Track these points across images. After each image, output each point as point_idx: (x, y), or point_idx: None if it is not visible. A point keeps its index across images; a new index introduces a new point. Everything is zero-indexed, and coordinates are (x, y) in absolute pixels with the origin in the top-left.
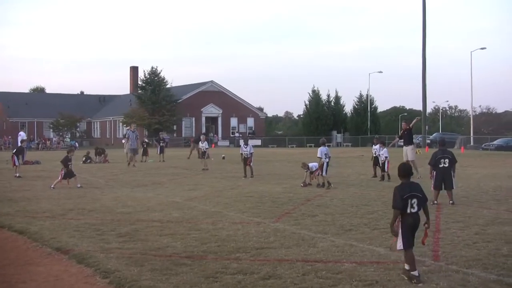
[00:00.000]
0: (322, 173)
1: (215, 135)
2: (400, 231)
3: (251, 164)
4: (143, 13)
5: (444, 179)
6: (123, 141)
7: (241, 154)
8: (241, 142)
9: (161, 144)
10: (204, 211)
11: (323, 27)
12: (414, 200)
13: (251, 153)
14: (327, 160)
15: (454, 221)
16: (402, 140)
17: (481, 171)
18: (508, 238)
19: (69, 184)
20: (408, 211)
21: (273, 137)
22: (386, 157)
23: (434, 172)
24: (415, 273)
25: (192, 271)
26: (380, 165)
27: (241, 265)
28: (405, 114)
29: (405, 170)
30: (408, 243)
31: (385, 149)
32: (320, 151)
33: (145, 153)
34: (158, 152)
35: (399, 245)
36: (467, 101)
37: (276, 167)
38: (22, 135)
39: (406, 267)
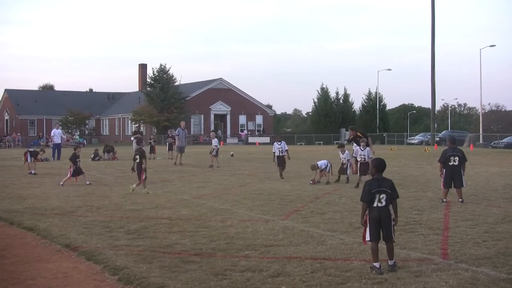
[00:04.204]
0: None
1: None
2: (367, 224)
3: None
4: (152, 10)
5: (453, 177)
6: (132, 138)
7: (274, 153)
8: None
9: (169, 141)
10: (213, 209)
11: (332, 24)
12: (383, 196)
13: (286, 151)
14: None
15: (463, 219)
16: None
17: (490, 169)
18: None
19: (77, 181)
20: (375, 205)
21: (282, 134)
22: (348, 160)
23: (444, 170)
24: (376, 264)
25: (201, 268)
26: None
27: (250, 263)
28: (414, 111)
29: (378, 164)
30: (374, 236)
31: (346, 152)
32: (356, 151)
33: (152, 150)
34: (167, 149)
35: (367, 236)
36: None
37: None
38: (58, 132)
39: (390, 262)
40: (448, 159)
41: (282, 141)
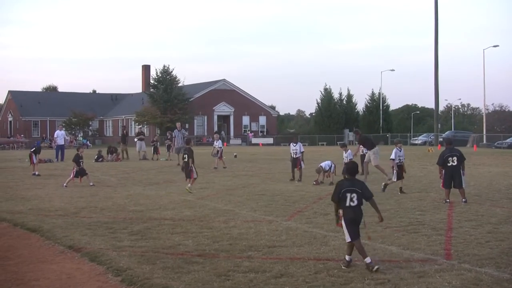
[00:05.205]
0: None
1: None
2: (344, 224)
3: (301, 166)
4: (155, 12)
5: (453, 177)
6: (135, 139)
7: (290, 154)
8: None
9: (167, 143)
10: (216, 210)
11: (335, 25)
12: (354, 195)
13: (302, 152)
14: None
15: (466, 219)
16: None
17: (493, 169)
18: None
19: (81, 182)
20: (347, 204)
21: (285, 135)
22: (351, 159)
23: (443, 172)
24: (367, 259)
25: (204, 269)
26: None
27: (253, 264)
28: (417, 112)
29: (351, 167)
30: (354, 235)
31: (349, 151)
32: (394, 153)
33: (155, 151)
34: (166, 150)
35: (347, 237)
36: (480, 99)
37: (288, 166)
38: (62, 133)
39: (367, 260)
40: (446, 160)
41: (298, 143)
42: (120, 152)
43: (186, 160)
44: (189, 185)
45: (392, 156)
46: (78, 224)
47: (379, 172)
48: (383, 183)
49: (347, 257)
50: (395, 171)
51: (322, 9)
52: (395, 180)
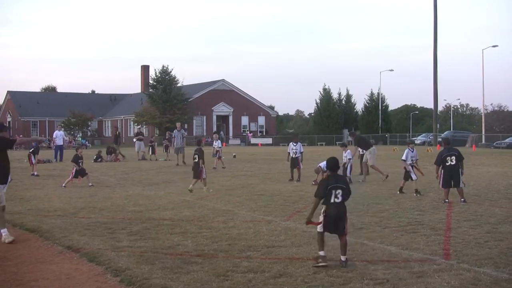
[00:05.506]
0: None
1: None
2: (322, 219)
3: (300, 166)
4: (154, 12)
5: (452, 177)
6: (134, 139)
7: (288, 153)
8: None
9: (164, 143)
10: (215, 210)
11: (334, 25)
12: (339, 191)
13: (301, 153)
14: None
15: (465, 219)
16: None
17: (492, 169)
18: None
19: (81, 182)
20: (332, 200)
21: (284, 135)
22: (349, 159)
23: (442, 171)
24: (322, 253)
25: (203, 269)
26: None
27: (252, 264)
28: (416, 112)
29: (333, 163)
30: (326, 228)
31: (348, 151)
32: (406, 153)
33: (153, 151)
34: (163, 151)
35: (319, 227)
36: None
37: (287, 166)
38: (61, 134)
39: (342, 258)
40: (444, 159)
41: (299, 142)
42: (119, 153)
43: (196, 160)
44: (205, 187)
45: (403, 157)
46: (77, 225)
47: (378, 172)
48: (415, 189)
49: (322, 253)
50: (409, 171)
51: (322, 9)
52: (415, 178)
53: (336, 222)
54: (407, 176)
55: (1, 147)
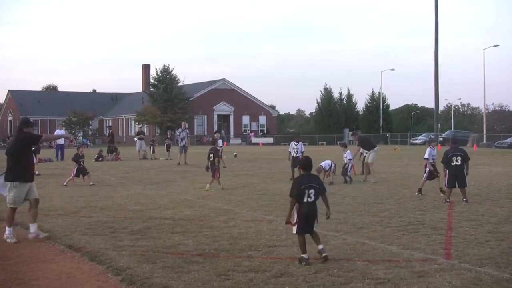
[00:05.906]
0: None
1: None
2: (296, 218)
3: None
4: (156, 11)
5: (457, 177)
6: (135, 139)
7: (289, 152)
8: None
9: (167, 142)
10: (216, 209)
11: (336, 25)
12: (312, 191)
13: (302, 152)
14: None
15: (466, 219)
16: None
17: (493, 169)
18: None
19: (84, 181)
20: (305, 200)
21: (285, 135)
22: (350, 159)
23: (447, 171)
24: (305, 255)
25: (204, 269)
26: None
27: (253, 263)
28: (417, 112)
29: (306, 163)
30: (302, 229)
31: (348, 151)
32: (429, 152)
33: (152, 150)
34: (165, 150)
35: (294, 229)
36: (480, 98)
37: (288, 165)
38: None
39: (319, 246)
40: (450, 159)
41: (300, 142)
42: (120, 152)
43: (212, 159)
44: (220, 185)
45: (426, 156)
46: (78, 224)
47: (379, 172)
48: (440, 187)
49: (305, 255)
50: (427, 170)
51: (322, 10)
52: (425, 179)
53: (308, 220)
54: (431, 176)
55: (26, 144)
